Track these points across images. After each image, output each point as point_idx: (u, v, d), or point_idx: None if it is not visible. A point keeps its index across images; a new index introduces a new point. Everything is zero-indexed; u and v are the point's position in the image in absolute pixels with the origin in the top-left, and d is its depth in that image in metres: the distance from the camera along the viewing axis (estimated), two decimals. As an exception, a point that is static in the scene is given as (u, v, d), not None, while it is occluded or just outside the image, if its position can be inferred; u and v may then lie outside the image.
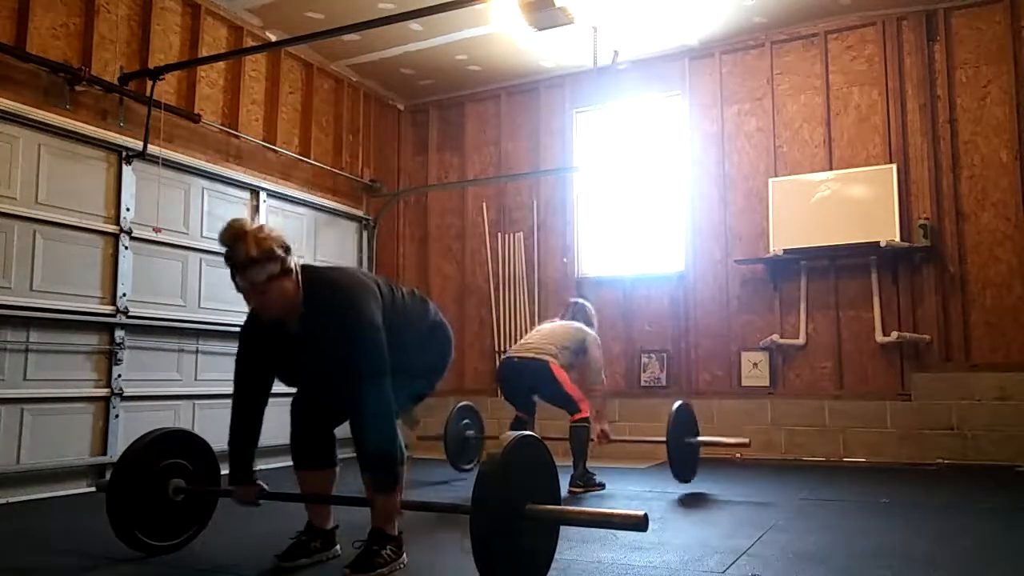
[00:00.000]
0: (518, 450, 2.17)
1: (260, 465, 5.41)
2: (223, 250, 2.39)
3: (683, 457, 4.24)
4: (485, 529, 2.05)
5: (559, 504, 2.34)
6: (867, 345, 5.70)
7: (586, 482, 4.25)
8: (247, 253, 2.35)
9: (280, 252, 2.41)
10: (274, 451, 5.68)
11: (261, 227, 2.43)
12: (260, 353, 2.62)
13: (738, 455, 4.42)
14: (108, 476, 2.78)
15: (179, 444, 2.87)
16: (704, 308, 6.25)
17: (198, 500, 2.88)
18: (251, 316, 2.63)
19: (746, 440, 4.41)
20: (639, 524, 2.08)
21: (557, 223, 6.87)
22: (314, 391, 2.69)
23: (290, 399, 2.77)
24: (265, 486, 2.70)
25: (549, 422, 5.03)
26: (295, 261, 2.47)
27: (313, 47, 6.30)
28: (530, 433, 2.30)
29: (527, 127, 7.07)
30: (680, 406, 4.35)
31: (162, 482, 2.76)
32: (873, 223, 5.61)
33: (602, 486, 4.29)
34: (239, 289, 2.43)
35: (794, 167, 6.06)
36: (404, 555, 2.54)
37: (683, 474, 4.26)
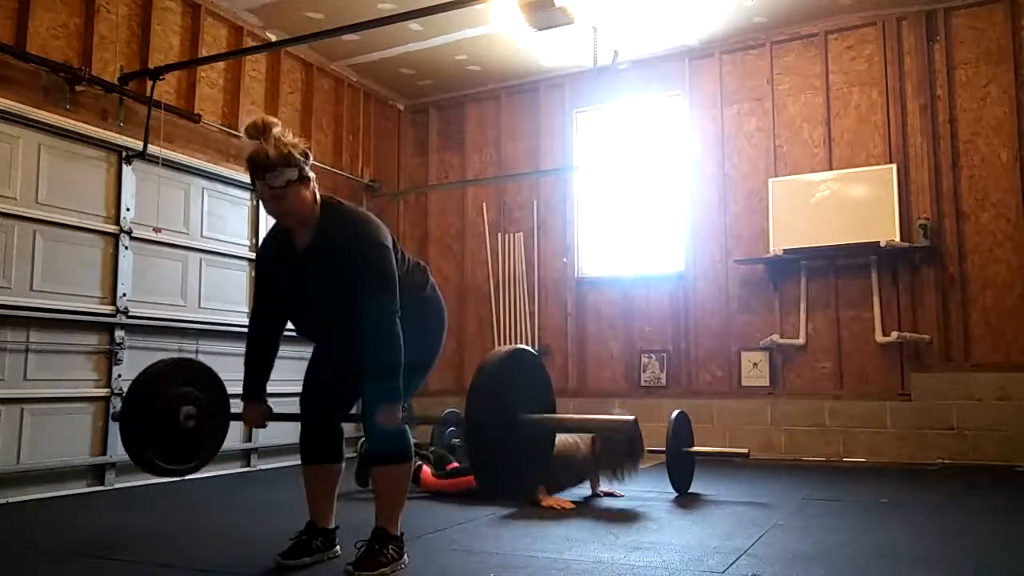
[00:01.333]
0: (511, 361, 2.27)
1: (262, 465, 5.45)
2: (246, 150, 2.44)
3: (681, 467, 4.22)
4: (479, 438, 2.12)
5: (553, 413, 2.42)
6: (867, 345, 5.70)
7: None
8: (266, 156, 2.40)
9: (299, 158, 2.45)
10: (277, 451, 5.69)
11: (284, 132, 2.47)
12: (274, 278, 2.66)
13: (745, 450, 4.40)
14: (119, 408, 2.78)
15: (190, 373, 2.88)
16: (704, 308, 6.25)
17: (209, 428, 2.87)
18: (267, 238, 2.69)
19: (745, 450, 4.40)
20: (629, 425, 2.31)
21: (557, 223, 6.87)
22: (321, 322, 2.64)
23: (297, 397, 2.76)
24: (272, 408, 2.74)
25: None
26: (313, 175, 2.51)
27: (313, 47, 6.30)
28: (524, 347, 2.39)
29: (527, 127, 7.07)
30: (678, 415, 4.32)
31: (173, 408, 2.75)
32: (873, 223, 5.61)
33: None
34: (257, 193, 2.50)
35: (794, 167, 6.06)
36: (406, 555, 2.54)
37: (681, 484, 4.22)
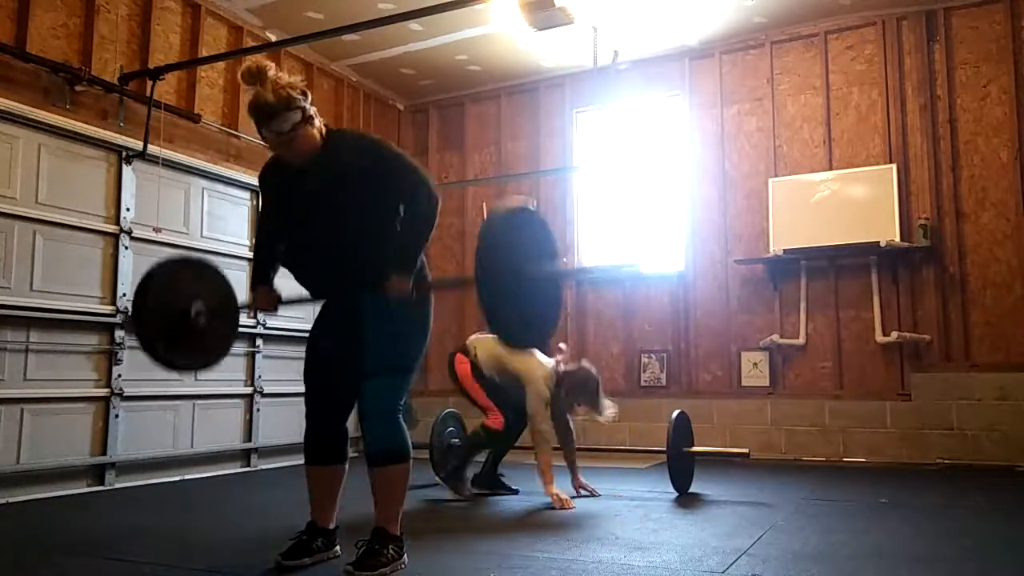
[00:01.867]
0: (514, 217, 2.48)
1: (262, 465, 5.45)
2: (248, 95, 2.46)
3: (681, 467, 4.22)
4: (491, 291, 2.29)
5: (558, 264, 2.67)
6: (867, 345, 5.70)
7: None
8: (267, 102, 2.40)
9: (298, 98, 2.45)
10: (277, 451, 5.69)
11: (278, 74, 2.47)
12: (278, 198, 2.67)
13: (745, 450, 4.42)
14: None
15: (198, 270, 2.88)
16: (704, 308, 6.25)
17: (219, 326, 2.84)
18: (271, 159, 2.68)
19: (745, 450, 4.40)
20: (636, 267, 2.51)
21: (557, 223, 6.85)
22: (322, 252, 2.61)
23: (300, 399, 2.75)
24: (281, 296, 2.75)
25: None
26: (314, 110, 2.52)
27: (313, 47, 6.31)
28: (525, 206, 2.58)
29: (527, 127, 7.07)
30: (678, 415, 4.32)
31: (185, 303, 2.72)
32: (873, 223, 5.61)
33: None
34: (264, 140, 2.50)
35: (794, 167, 6.06)
36: (406, 555, 2.54)
37: (681, 484, 4.22)
